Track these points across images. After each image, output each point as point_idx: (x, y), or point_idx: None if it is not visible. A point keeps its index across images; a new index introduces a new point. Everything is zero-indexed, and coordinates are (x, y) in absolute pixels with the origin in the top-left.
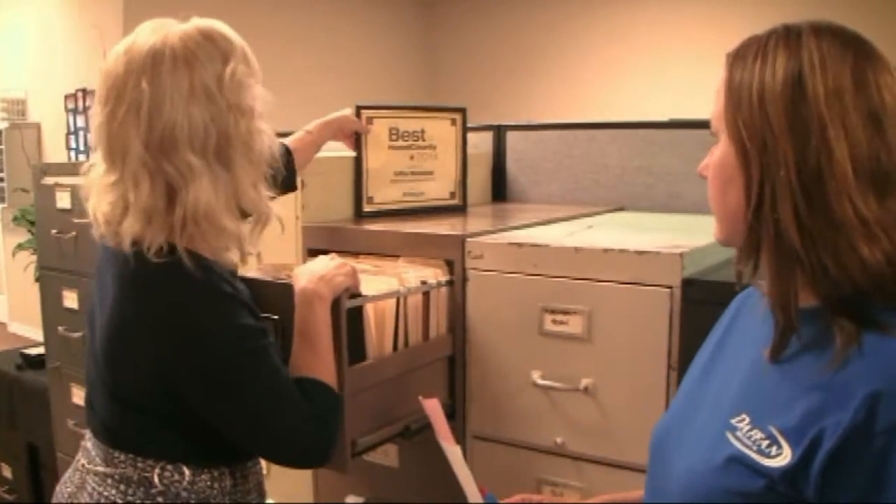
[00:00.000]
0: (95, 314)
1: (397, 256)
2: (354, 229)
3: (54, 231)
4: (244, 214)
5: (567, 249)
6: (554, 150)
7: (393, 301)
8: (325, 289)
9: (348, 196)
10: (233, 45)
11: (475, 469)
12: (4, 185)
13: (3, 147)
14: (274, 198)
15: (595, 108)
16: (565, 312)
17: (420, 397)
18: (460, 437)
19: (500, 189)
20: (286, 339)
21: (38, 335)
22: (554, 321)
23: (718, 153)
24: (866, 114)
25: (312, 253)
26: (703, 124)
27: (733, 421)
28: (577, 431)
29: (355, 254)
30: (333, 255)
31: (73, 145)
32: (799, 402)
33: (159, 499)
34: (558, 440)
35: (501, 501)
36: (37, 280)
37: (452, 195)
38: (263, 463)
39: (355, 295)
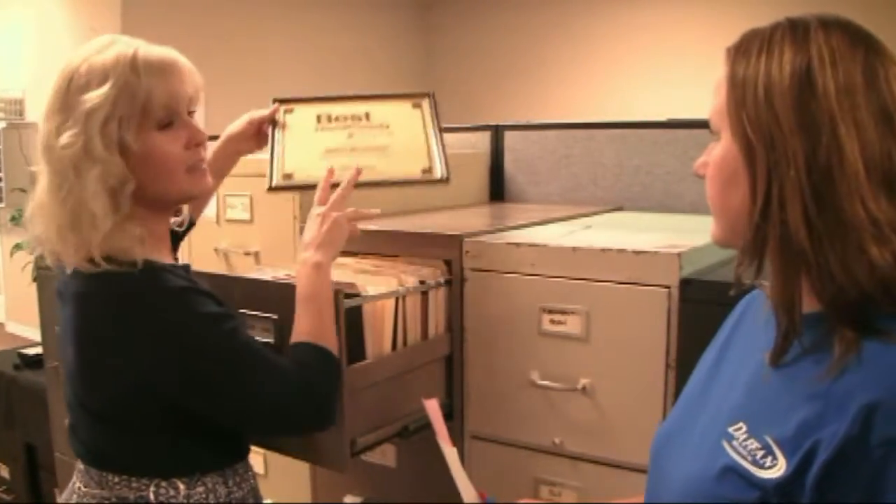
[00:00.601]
0: (66, 340)
1: (396, 256)
2: None
3: None
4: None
5: (565, 249)
6: (552, 150)
7: (392, 301)
8: (321, 256)
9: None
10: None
11: (473, 469)
12: (2, 184)
13: (0, 147)
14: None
15: (593, 108)
16: (563, 312)
17: (423, 398)
18: (458, 437)
19: (498, 189)
20: (285, 339)
21: (36, 335)
22: (552, 321)
23: (719, 151)
24: (877, 111)
25: None
26: (701, 124)
27: (731, 429)
28: (575, 431)
29: (354, 254)
30: (319, 211)
31: None
32: (796, 411)
33: None
34: (556, 440)
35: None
36: (34, 280)
37: (427, 171)
38: (261, 463)
39: (353, 295)
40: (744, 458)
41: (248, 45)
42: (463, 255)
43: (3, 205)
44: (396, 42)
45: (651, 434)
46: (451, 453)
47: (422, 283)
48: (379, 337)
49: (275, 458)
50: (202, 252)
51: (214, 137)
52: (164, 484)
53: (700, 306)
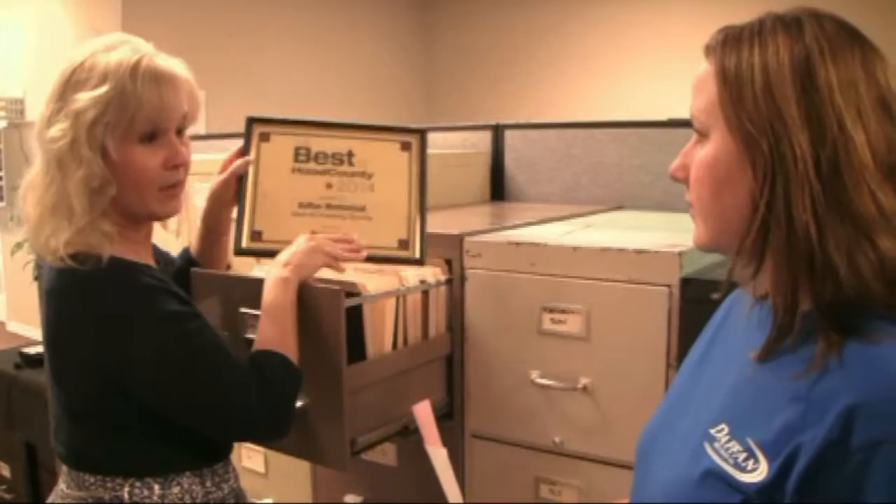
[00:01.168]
0: (44, 338)
1: None
2: None
3: None
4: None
5: (565, 248)
6: (552, 149)
7: (392, 300)
8: (290, 273)
9: None
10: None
11: (474, 468)
12: (3, 183)
13: (1, 146)
14: None
15: (594, 108)
16: (564, 311)
17: (413, 403)
18: (459, 436)
19: (498, 188)
20: None
21: (37, 334)
22: (552, 320)
23: (709, 150)
24: (877, 103)
25: None
26: None
27: (713, 431)
28: (575, 430)
29: None
30: (311, 235)
31: None
32: (778, 413)
33: None
34: (556, 439)
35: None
36: (35, 279)
37: (403, 244)
38: (262, 462)
39: (354, 294)
40: (725, 461)
41: (248, 43)
42: (463, 254)
43: (3, 203)
44: (396, 41)
45: None
46: (438, 455)
47: (422, 282)
48: (379, 336)
49: (275, 457)
50: None
51: (215, 137)
52: (138, 484)
53: (700, 305)
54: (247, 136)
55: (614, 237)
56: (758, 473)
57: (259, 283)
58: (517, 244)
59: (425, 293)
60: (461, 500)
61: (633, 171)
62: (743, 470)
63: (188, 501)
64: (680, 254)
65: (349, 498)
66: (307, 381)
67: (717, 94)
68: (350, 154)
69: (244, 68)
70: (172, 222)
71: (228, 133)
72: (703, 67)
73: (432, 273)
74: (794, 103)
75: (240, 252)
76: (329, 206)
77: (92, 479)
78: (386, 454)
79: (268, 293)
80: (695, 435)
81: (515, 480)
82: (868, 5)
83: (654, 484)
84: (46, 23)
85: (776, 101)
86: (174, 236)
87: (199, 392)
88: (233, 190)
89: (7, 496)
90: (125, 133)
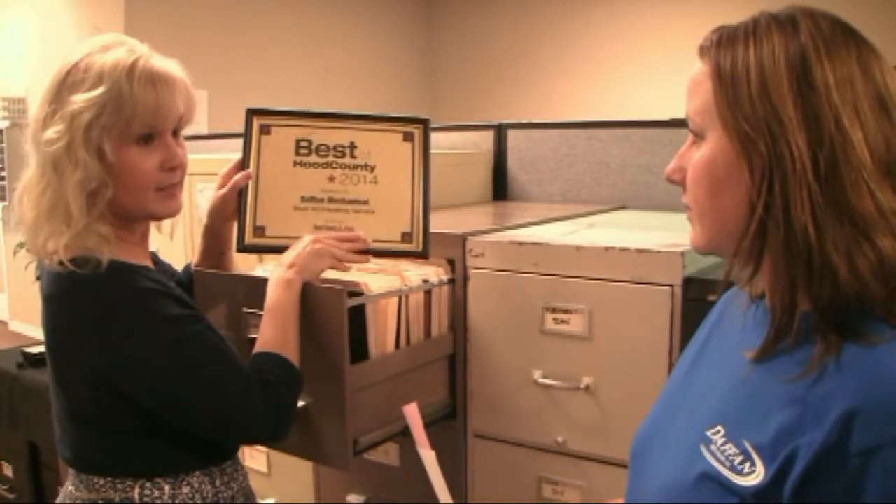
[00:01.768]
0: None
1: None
2: None
3: None
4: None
5: (568, 248)
6: (555, 149)
7: (395, 300)
8: (293, 275)
9: None
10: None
11: (476, 468)
12: (5, 183)
13: (4, 146)
14: None
15: (596, 107)
16: (566, 311)
17: (402, 406)
18: (461, 436)
19: (500, 188)
20: None
21: (39, 334)
22: (555, 320)
23: (706, 151)
24: (874, 101)
25: None
26: None
27: (709, 432)
28: (577, 430)
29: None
30: (316, 235)
31: None
32: (774, 415)
33: None
34: (559, 439)
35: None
36: (37, 279)
37: (406, 237)
38: (265, 462)
39: (356, 294)
40: (722, 463)
41: (251, 40)
42: (466, 253)
43: (5, 203)
44: (399, 41)
45: None
46: (428, 457)
47: (425, 281)
48: (382, 336)
49: (278, 456)
50: None
51: (216, 136)
52: (148, 485)
53: (703, 305)
54: (247, 128)
55: (617, 237)
56: (754, 476)
57: (262, 282)
58: (520, 244)
59: (428, 293)
60: (451, 502)
61: (636, 171)
62: (739, 473)
63: (198, 501)
64: (682, 253)
65: (352, 497)
66: (310, 380)
67: (712, 95)
68: (352, 146)
69: (246, 68)
70: (166, 224)
71: (230, 133)
72: (697, 68)
73: (435, 273)
74: (790, 102)
75: (243, 249)
76: (331, 200)
77: (101, 482)
78: (388, 454)
79: (271, 294)
80: (690, 437)
81: (518, 480)
82: (863, 4)
83: (649, 486)
84: (48, 22)
85: (772, 101)
86: (168, 239)
87: (197, 397)
88: (233, 205)
89: (10, 496)
90: (121, 135)
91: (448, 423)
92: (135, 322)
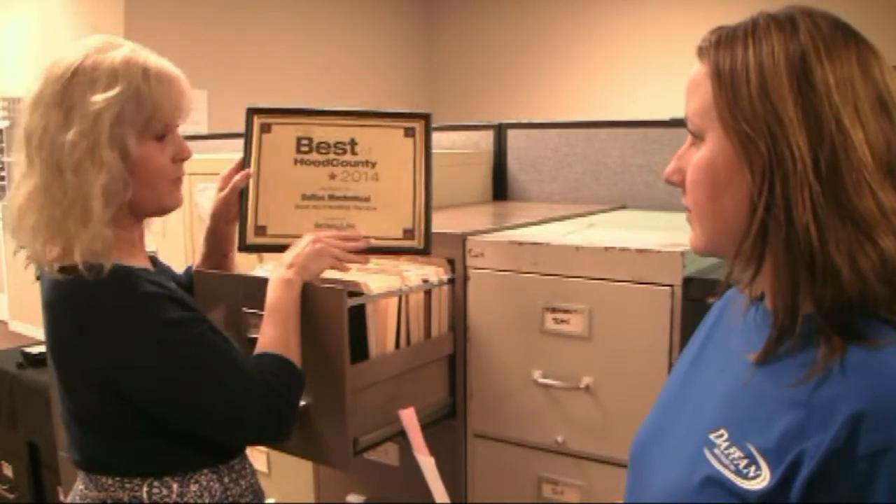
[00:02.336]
0: (48, 349)
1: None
2: None
3: None
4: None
5: (568, 248)
6: (555, 149)
7: (395, 300)
8: (293, 275)
9: None
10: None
11: (476, 468)
12: (6, 183)
13: (3, 146)
14: None
15: (596, 107)
16: (566, 311)
17: (399, 410)
18: (461, 436)
19: (500, 187)
20: None
21: (39, 333)
22: (555, 320)
23: (705, 153)
24: (874, 101)
25: None
26: None
27: (712, 436)
28: (577, 430)
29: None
30: (316, 235)
31: None
32: (779, 418)
33: None
34: (559, 439)
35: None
36: (37, 279)
37: (409, 234)
38: (265, 462)
39: (356, 294)
40: (726, 467)
41: (251, 40)
42: (466, 253)
43: (5, 203)
44: (399, 40)
45: None
46: (426, 463)
47: (425, 281)
48: (382, 336)
49: (278, 456)
50: None
51: (215, 136)
52: (156, 484)
53: (703, 305)
54: (247, 127)
55: (617, 237)
56: (760, 480)
57: (262, 282)
58: (520, 244)
59: (428, 293)
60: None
61: (636, 171)
62: (745, 477)
63: (207, 499)
64: (682, 253)
65: (352, 498)
66: (310, 380)
67: (711, 96)
68: (353, 142)
69: (246, 67)
70: (158, 223)
71: (230, 133)
72: (696, 69)
73: (435, 272)
74: (791, 103)
75: (245, 248)
76: (332, 198)
77: (110, 482)
78: (388, 454)
79: (271, 294)
80: (693, 440)
81: (518, 480)
82: (863, 4)
83: (650, 489)
84: (48, 22)
85: (773, 101)
86: (161, 237)
87: (200, 400)
88: (235, 207)
89: (9, 496)
90: (141, 132)
91: (448, 422)
92: (137, 327)
